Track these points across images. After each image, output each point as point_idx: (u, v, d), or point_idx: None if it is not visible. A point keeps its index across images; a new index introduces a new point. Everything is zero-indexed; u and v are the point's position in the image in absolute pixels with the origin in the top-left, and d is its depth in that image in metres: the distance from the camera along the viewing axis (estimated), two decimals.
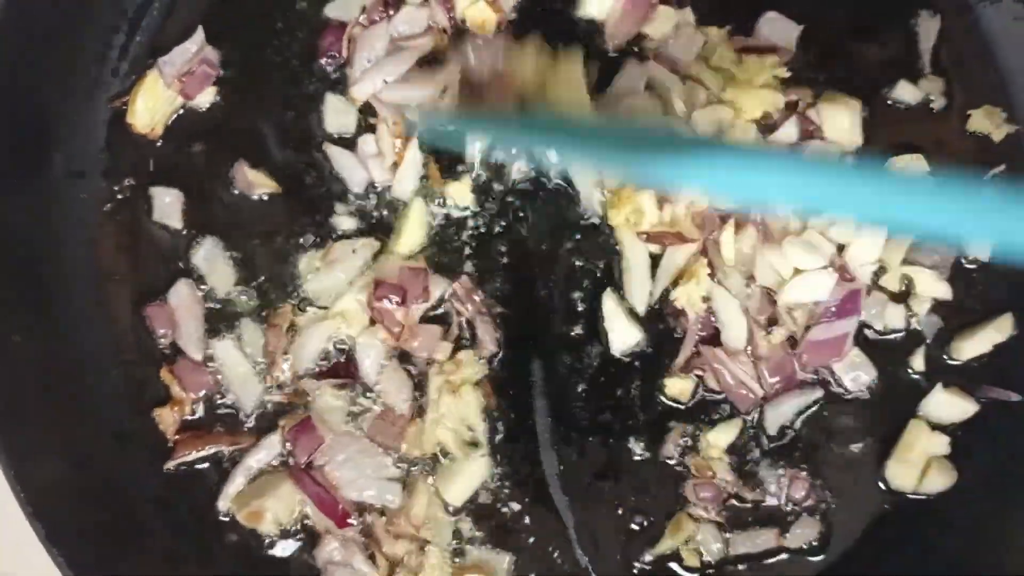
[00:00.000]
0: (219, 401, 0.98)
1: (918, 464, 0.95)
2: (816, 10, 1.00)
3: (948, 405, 0.96)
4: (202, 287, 0.98)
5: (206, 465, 0.97)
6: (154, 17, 1.01)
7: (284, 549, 0.96)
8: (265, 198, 0.99)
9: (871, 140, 0.99)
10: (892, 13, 1.02)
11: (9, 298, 0.91)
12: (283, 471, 0.96)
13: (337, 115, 1.00)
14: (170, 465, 0.96)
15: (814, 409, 0.97)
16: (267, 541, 0.96)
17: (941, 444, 0.95)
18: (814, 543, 0.96)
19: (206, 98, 1.00)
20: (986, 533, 0.94)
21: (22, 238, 0.93)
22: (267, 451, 0.96)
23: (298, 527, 0.96)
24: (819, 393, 0.97)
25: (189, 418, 0.97)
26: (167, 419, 0.97)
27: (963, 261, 0.98)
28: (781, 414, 0.96)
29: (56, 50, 0.95)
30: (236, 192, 0.99)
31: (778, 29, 1.00)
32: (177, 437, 0.96)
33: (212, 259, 0.99)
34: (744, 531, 0.96)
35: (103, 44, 1.00)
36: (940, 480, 0.95)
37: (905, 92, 1.00)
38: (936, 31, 1.01)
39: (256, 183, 0.98)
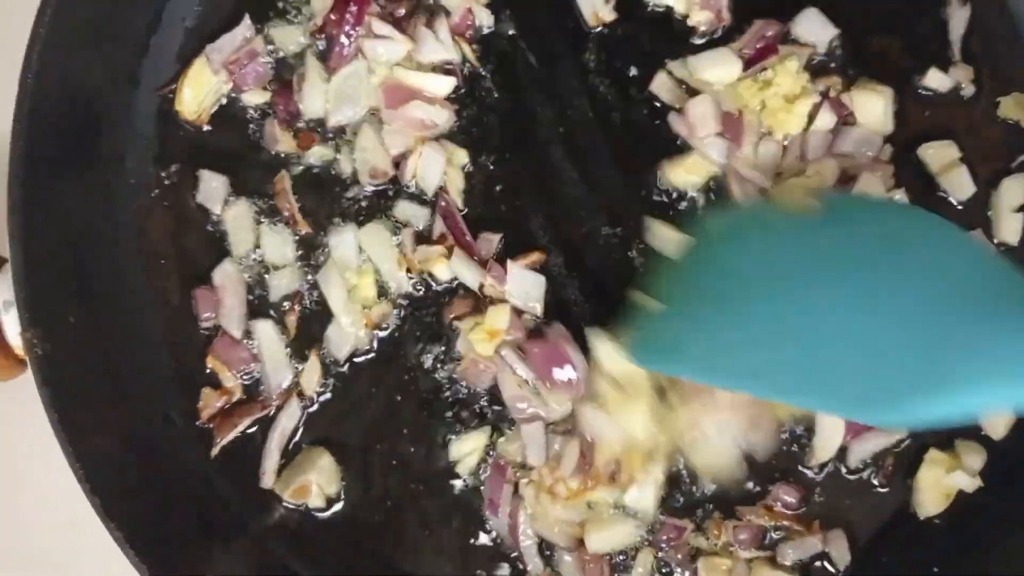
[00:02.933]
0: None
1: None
2: (847, 1, 1.02)
3: None
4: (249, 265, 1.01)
5: (252, 430, 0.99)
6: (202, 5, 1.03)
7: (331, 515, 0.99)
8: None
9: (903, 127, 1.00)
10: (922, 2, 1.03)
11: (63, 281, 0.93)
12: (319, 447, 0.98)
13: None
14: (215, 451, 0.98)
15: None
16: (315, 511, 0.99)
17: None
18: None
19: (255, 98, 1.02)
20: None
21: (74, 223, 0.95)
22: (289, 417, 0.99)
23: (343, 493, 0.99)
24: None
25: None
26: (210, 400, 0.99)
27: None
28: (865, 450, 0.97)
29: (105, 39, 0.96)
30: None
31: (816, 28, 1.01)
32: (210, 423, 0.99)
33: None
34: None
35: (151, 32, 1.01)
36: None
37: (935, 80, 1.01)
38: (966, 20, 1.02)
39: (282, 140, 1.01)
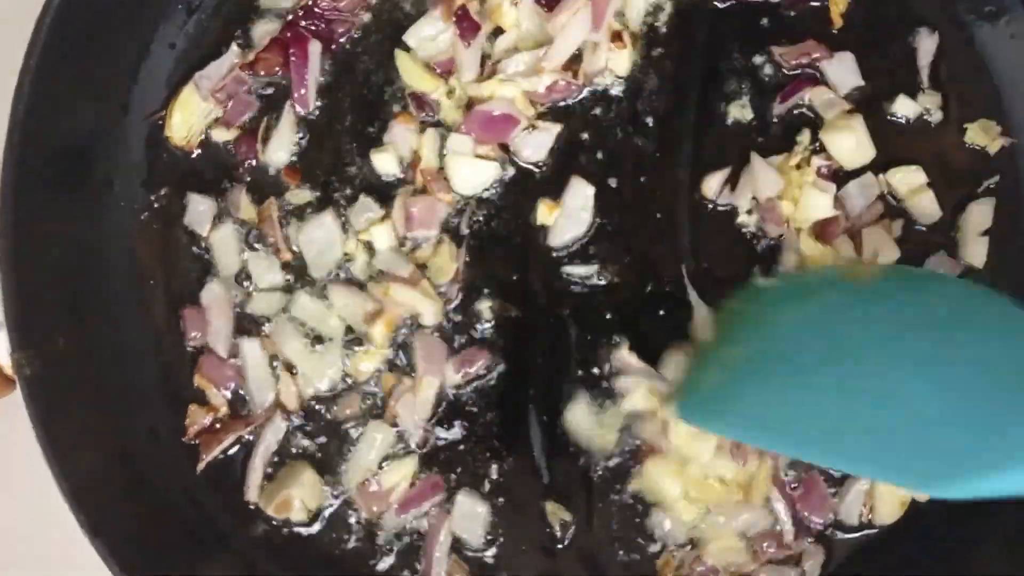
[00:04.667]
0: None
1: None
2: (817, 28, 1.04)
3: None
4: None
5: (234, 450, 1.01)
6: (190, 33, 1.06)
7: (314, 531, 1.01)
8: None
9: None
10: (891, 30, 1.05)
11: (54, 303, 0.95)
12: (302, 461, 1.00)
13: None
14: (200, 466, 1.00)
15: None
16: (296, 526, 1.00)
17: None
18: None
19: (222, 135, 1.04)
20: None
21: (64, 246, 0.98)
22: (274, 433, 1.01)
23: (326, 509, 1.00)
24: None
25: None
26: (196, 417, 1.01)
27: None
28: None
29: (95, 66, 0.99)
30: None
31: (844, 72, 1.03)
32: (196, 440, 1.01)
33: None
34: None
35: (141, 59, 1.04)
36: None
37: (904, 107, 1.04)
38: (934, 48, 1.05)
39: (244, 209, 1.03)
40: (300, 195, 1.03)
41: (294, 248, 1.03)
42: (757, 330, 0.87)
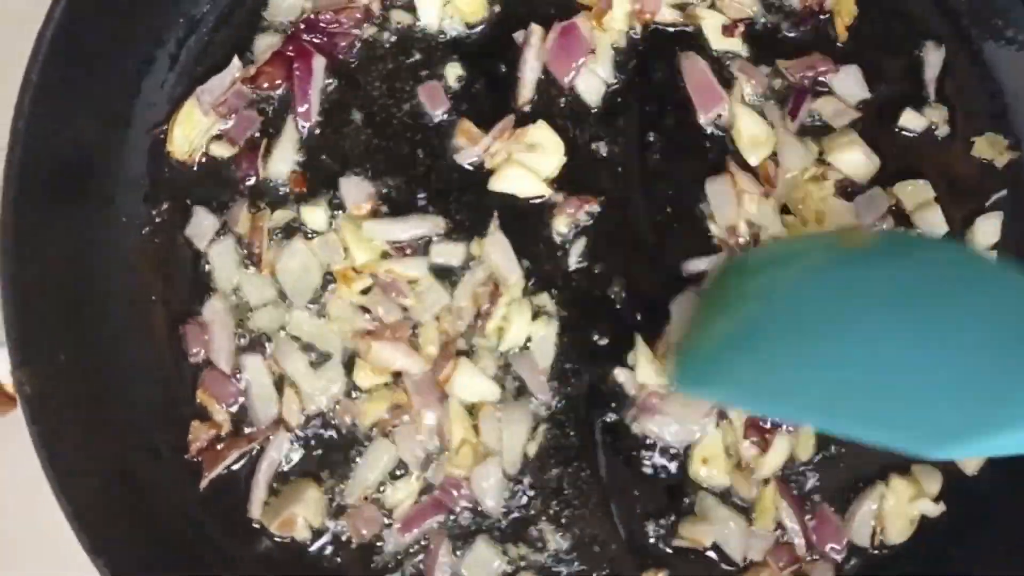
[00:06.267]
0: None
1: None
2: (823, 44, 1.04)
3: None
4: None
5: (237, 467, 1.00)
6: (192, 47, 1.05)
7: (317, 548, 0.99)
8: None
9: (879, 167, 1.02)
10: (897, 44, 1.05)
11: (55, 320, 0.94)
12: (307, 478, 1.00)
13: None
14: (203, 484, 0.99)
15: None
16: (301, 544, 0.99)
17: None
18: None
19: (221, 151, 1.04)
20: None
21: (65, 262, 0.97)
22: (277, 450, 1.00)
23: (329, 526, 0.99)
24: None
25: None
26: (199, 433, 1.00)
27: None
28: None
29: (97, 81, 0.98)
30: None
31: (851, 84, 1.03)
32: (199, 457, 1.00)
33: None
34: None
35: (142, 74, 1.03)
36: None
37: (910, 120, 1.03)
38: (940, 61, 1.05)
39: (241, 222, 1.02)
40: (282, 215, 1.03)
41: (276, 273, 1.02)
42: (754, 296, 0.86)
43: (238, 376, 1.01)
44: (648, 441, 0.99)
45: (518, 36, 1.04)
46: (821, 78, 1.03)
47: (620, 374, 0.99)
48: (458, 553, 0.98)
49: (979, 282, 0.78)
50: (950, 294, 0.76)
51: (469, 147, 1.02)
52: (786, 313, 0.81)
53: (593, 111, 1.04)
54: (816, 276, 0.82)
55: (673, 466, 0.99)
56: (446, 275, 1.01)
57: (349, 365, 1.00)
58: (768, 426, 0.97)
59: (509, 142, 1.01)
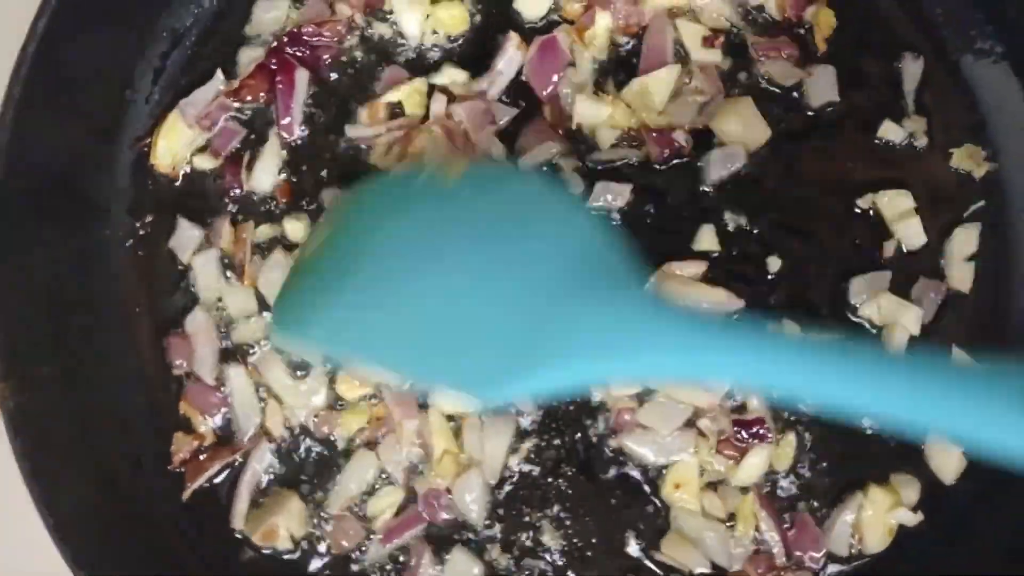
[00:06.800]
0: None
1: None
2: (802, 55, 1.05)
3: None
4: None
5: (220, 478, 1.00)
6: (175, 59, 1.06)
7: (300, 558, 1.00)
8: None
9: (859, 178, 1.03)
10: (876, 55, 1.06)
11: (37, 331, 0.95)
12: (289, 489, 1.00)
13: None
14: (186, 495, 0.99)
15: None
16: (284, 555, 0.99)
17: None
18: None
19: (205, 163, 1.04)
20: None
21: (48, 274, 0.97)
22: (259, 461, 1.00)
23: (311, 537, 0.99)
24: None
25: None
26: (182, 444, 1.00)
27: None
28: None
29: (80, 94, 0.99)
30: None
31: (823, 85, 1.04)
32: (182, 468, 1.00)
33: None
34: None
35: (126, 87, 1.04)
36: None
37: (889, 131, 1.04)
38: (919, 73, 1.05)
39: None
40: (265, 231, 1.03)
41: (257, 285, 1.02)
42: (343, 236, 0.84)
43: (221, 388, 1.02)
44: (626, 456, 0.99)
45: (502, 40, 1.04)
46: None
47: (595, 388, 0.99)
48: (439, 567, 0.98)
49: (547, 212, 0.76)
50: (518, 226, 0.75)
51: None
52: (365, 253, 0.78)
53: None
54: (399, 213, 0.79)
55: (653, 481, 0.99)
56: None
57: (332, 377, 1.01)
58: (743, 443, 0.97)
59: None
